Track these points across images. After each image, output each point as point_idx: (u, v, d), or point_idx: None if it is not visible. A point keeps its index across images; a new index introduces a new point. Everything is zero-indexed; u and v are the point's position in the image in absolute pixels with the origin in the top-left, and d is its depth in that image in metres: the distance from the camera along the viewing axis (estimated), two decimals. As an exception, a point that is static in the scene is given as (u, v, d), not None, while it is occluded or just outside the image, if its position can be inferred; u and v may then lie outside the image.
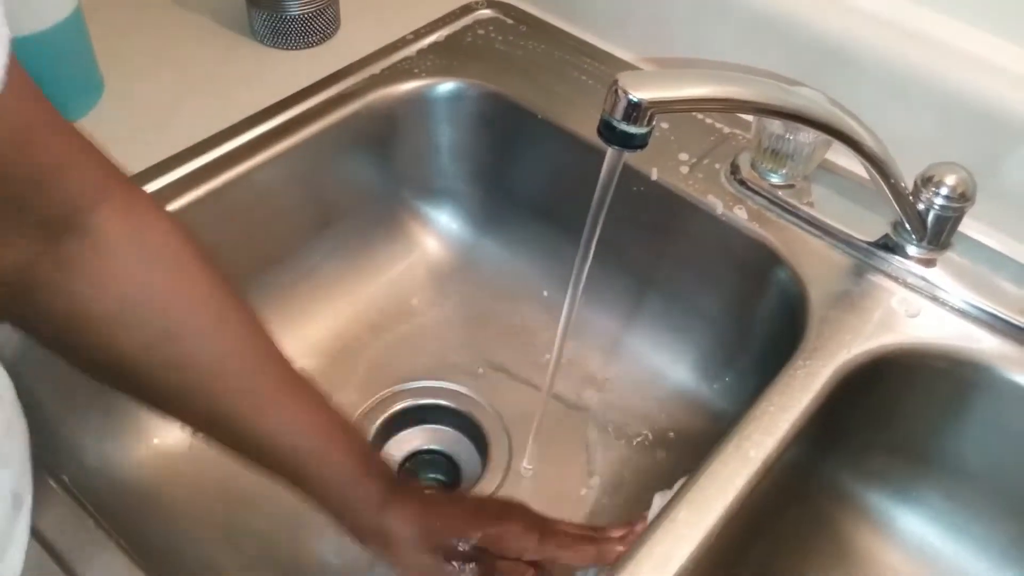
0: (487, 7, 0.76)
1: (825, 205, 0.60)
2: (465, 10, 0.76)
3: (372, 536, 0.47)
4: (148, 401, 0.44)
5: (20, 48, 0.32)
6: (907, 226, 0.56)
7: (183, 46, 0.72)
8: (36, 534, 0.42)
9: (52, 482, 0.45)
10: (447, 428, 0.67)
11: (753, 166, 0.62)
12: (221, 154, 0.62)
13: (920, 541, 0.61)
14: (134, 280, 0.40)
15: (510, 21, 0.76)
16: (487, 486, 0.62)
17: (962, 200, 0.54)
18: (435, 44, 0.73)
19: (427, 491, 0.51)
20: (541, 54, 0.72)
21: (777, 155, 0.60)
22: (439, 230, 0.76)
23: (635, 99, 0.41)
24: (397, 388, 0.67)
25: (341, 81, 0.68)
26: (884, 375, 0.54)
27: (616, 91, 0.41)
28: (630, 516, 0.60)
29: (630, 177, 0.63)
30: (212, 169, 0.61)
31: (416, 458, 0.66)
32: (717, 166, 0.63)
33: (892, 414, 0.58)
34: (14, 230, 0.36)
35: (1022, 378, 0.52)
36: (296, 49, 0.72)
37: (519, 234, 0.74)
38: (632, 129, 0.42)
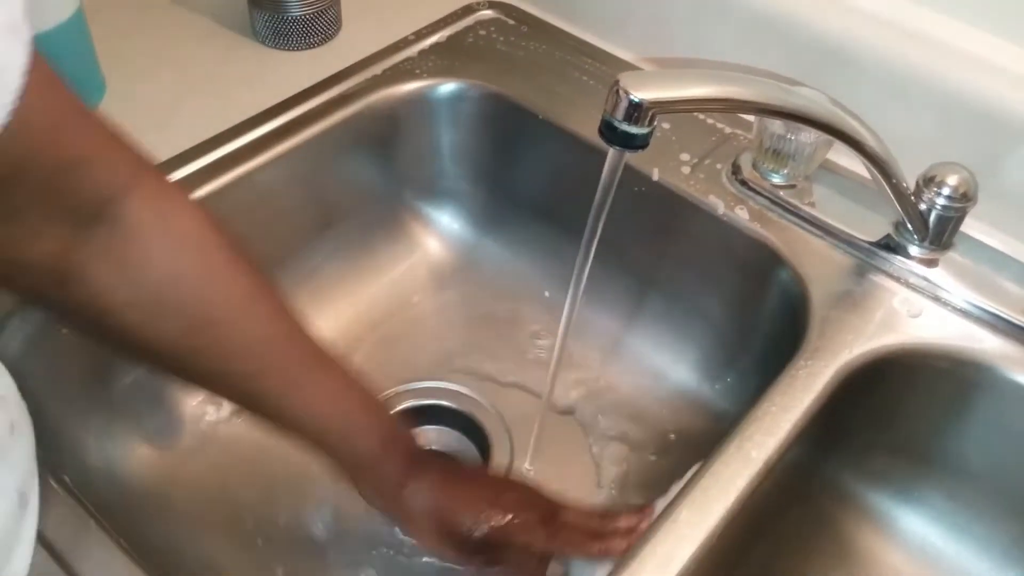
0: (488, 8, 0.76)
1: (827, 205, 0.60)
2: (466, 11, 0.76)
3: (390, 509, 0.51)
4: (183, 380, 0.47)
5: (22, 49, 0.32)
6: (909, 226, 0.56)
7: (184, 47, 0.72)
8: (37, 534, 0.42)
9: (53, 482, 0.45)
10: (449, 429, 0.67)
11: (754, 166, 0.62)
12: (223, 155, 0.62)
13: (922, 541, 0.61)
14: (165, 269, 0.40)
15: (511, 22, 0.76)
16: (488, 487, 0.62)
17: (964, 200, 0.54)
18: (436, 45, 0.73)
19: (447, 468, 0.52)
20: (542, 55, 0.72)
21: (778, 155, 0.60)
22: (440, 230, 0.76)
23: (636, 99, 0.41)
24: (399, 388, 0.67)
25: (342, 82, 0.68)
26: (886, 375, 0.54)
27: (617, 91, 0.41)
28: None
29: (631, 177, 0.63)
30: (213, 170, 0.61)
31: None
32: (718, 166, 0.63)
33: (894, 414, 0.58)
34: (45, 221, 0.36)
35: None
36: (297, 50, 0.72)
37: (520, 234, 0.74)
38: (633, 129, 0.42)
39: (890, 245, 0.58)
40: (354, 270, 0.73)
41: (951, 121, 0.59)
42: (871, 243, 0.58)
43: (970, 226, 0.57)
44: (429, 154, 0.73)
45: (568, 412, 0.67)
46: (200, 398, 0.64)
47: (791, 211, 0.60)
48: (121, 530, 0.45)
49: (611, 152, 0.45)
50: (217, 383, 0.46)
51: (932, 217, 0.55)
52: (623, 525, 0.49)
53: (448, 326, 0.72)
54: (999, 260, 0.58)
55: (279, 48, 0.72)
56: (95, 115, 0.37)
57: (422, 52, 0.72)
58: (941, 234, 0.56)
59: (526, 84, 0.69)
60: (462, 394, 0.67)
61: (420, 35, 0.73)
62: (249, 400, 0.46)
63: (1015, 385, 0.52)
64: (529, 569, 0.51)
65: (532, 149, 0.70)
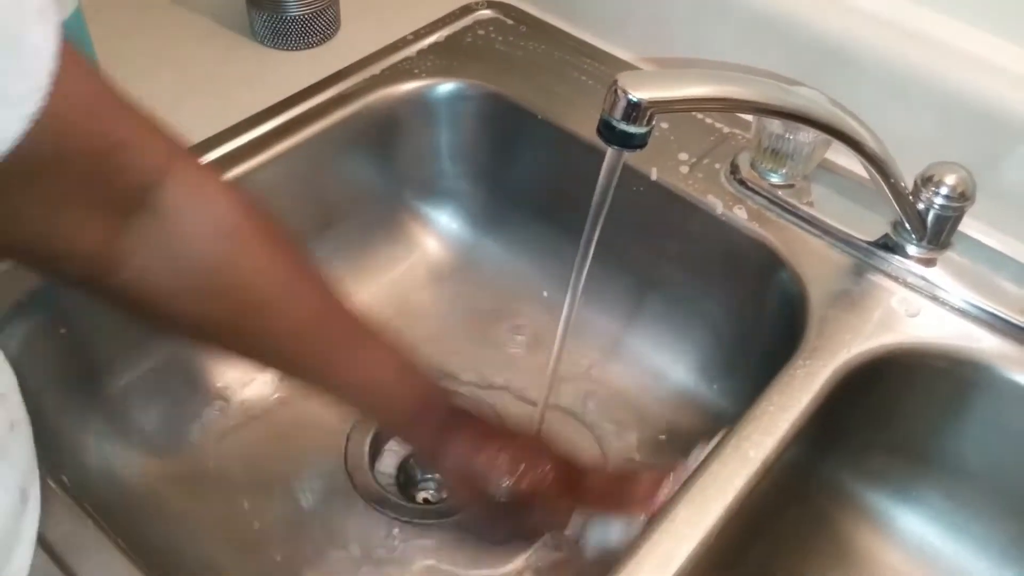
0: (487, 7, 0.76)
1: (825, 205, 0.60)
2: (465, 10, 0.76)
3: (429, 467, 0.57)
4: (227, 355, 0.51)
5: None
6: (907, 226, 0.56)
7: (183, 47, 0.72)
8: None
9: (52, 483, 0.45)
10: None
11: (753, 166, 0.62)
12: (221, 154, 0.62)
13: (920, 541, 0.61)
14: (206, 256, 0.41)
15: (510, 21, 0.76)
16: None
17: (962, 200, 0.54)
18: (435, 44, 0.73)
19: (480, 432, 0.53)
20: (541, 54, 0.72)
21: (777, 155, 0.60)
22: (439, 230, 0.76)
23: (634, 99, 0.41)
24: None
25: (341, 82, 0.68)
26: (884, 375, 0.54)
27: (616, 91, 0.41)
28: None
29: (630, 177, 0.63)
30: (212, 170, 0.61)
31: (415, 458, 0.66)
32: (717, 166, 0.63)
33: (892, 414, 0.58)
34: (88, 211, 0.37)
35: (1022, 378, 0.52)
36: (296, 50, 0.72)
37: (519, 234, 0.74)
38: (632, 129, 0.42)
39: (888, 245, 0.58)
40: (353, 270, 0.73)
41: (950, 121, 0.59)
42: (869, 243, 0.58)
43: (968, 226, 0.58)
44: (428, 154, 0.73)
45: (567, 412, 0.67)
46: (198, 399, 0.64)
47: (789, 211, 0.60)
48: (120, 530, 0.45)
49: (609, 152, 0.45)
50: (261, 359, 0.49)
51: (930, 217, 0.55)
52: (642, 491, 0.50)
53: (447, 326, 0.72)
54: (997, 260, 0.58)
55: (278, 48, 0.72)
56: (128, 101, 0.37)
57: (421, 52, 0.72)
58: (939, 234, 0.56)
59: (525, 84, 0.69)
60: (461, 394, 0.67)
61: (419, 35, 0.73)
62: (291, 371, 0.50)
63: (1013, 384, 0.53)
64: (551, 528, 0.54)
65: (531, 149, 0.70)
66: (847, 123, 0.50)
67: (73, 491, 0.46)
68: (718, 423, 0.64)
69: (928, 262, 0.57)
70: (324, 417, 0.65)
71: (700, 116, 0.67)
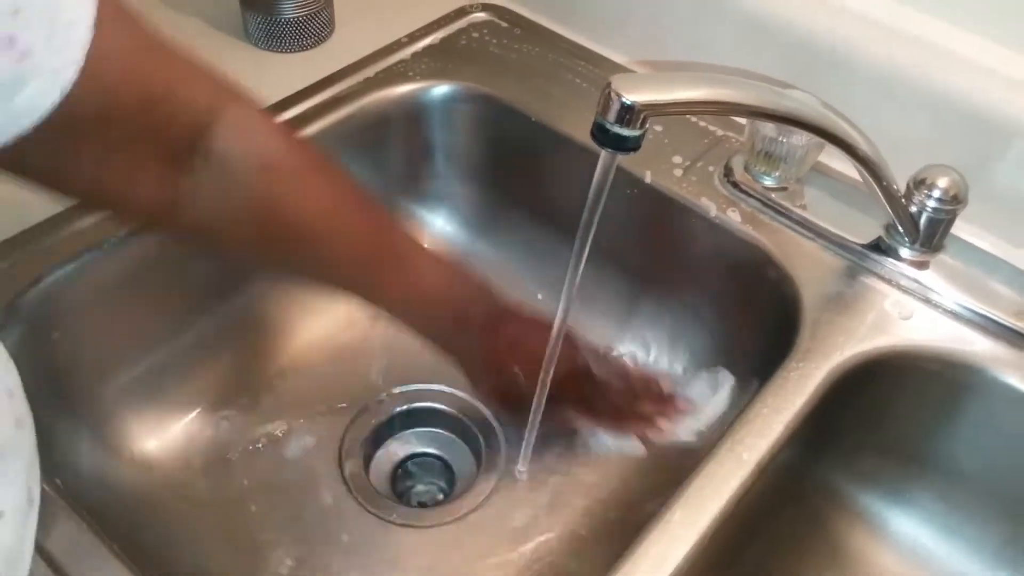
0: (482, 10, 0.76)
1: (818, 208, 0.61)
2: (460, 13, 0.76)
3: (472, 369, 0.58)
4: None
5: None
6: (900, 228, 0.57)
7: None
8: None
9: (47, 486, 0.45)
10: (442, 431, 0.67)
11: (746, 169, 0.62)
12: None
13: (913, 542, 0.61)
14: (259, 197, 0.44)
15: (504, 24, 0.76)
16: (481, 490, 0.62)
17: (954, 202, 0.55)
18: (430, 47, 0.73)
19: (510, 339, 0.56)
20: (535, 57, 0.72)
21: (770, 158, 0.60)
22: (434, 233, 0.76)
23: (628, 102, 0.41)
24: (392, 391, 0.67)
25: (335, 84, 0.68)
26: (877, 377, 0.54)
27: (609, 94, 0.41)
28: (624, 519, 0.60)
29: (624, 180, 0.63)
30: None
31: (411, 461, 0.66)
32: (711, 169, 0.64)
33: (885, 416, 0.58)
34: (143, 157, 0.38)
35: (1014, 380, 0.53)
36: (290, 52, 0.72)
37: (513, 237, 0.74)
38: (625, 132, 0.42)
39: (881, 247, 0.58)
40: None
41: (942, 124, 0.59)
42: (862, 245, 0.58)
43: (961, 228, 0.58)
44: (422, 156, 0.73)
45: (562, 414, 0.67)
46: (197, 400, 0.64)
47: (783, 213, 0.60)
48: (114, 535, 0.45)
49: (603, 154, 0.45)
50: (314, 280, 0.54)
51: (923, 219, 0.56)
52: (646, 410, 0.55)
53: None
54: (989, 262, 0.58)
55: (272, 50, 0.72)
56: (172, 46, 0.39)
57: (415, 54, 0.72)
58: (932, 236, 0.57)
59: (519, 86, 0.69)
60: (455, 396, 0.67)
61: (413, 37, 0.73)
62: (341, 290, 0.53)
63: (1005, 387, 0.53)
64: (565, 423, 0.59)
65: (525, 151, 0.70)
66: (840, 126, 0.50)
67: (68, 495, 0.46)
68: (712, 425, 0.64)
69: (921, 265, 0.57)
70: (320, 418, 0.65)
71: (694, 119, 0.67)
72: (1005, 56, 0.57)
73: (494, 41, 0.74)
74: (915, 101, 0.59)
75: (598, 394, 0.57)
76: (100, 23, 0.32)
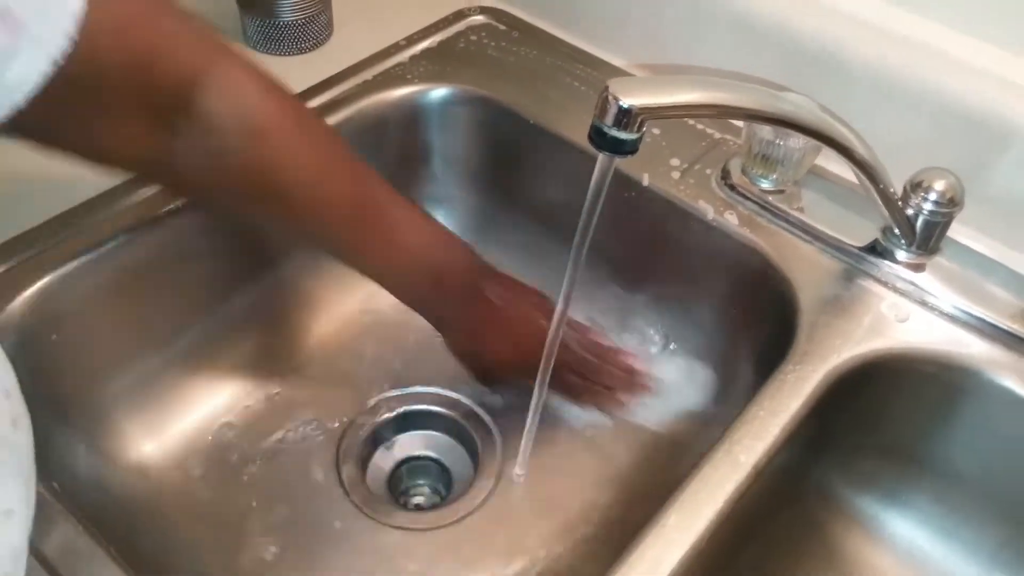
0: (480, 13, 0.77)
1: (815, 210, 0.61)
2: (458, 16, 0.76)
3: (452, 332, 0.59)
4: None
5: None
6: (896, 231, 0.57)
7: (175, 52, 0.72)
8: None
9: (42, 489, 0.45)
10: (439, 434, 0.67)
11: (744, 172, 0.62)
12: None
13: (910, 544, 0.61)
14: (240, 151, 0.44)
15: (503, 27, 0.76)
16: (478, 492, 0.62)
17: (951, 205, 0.55)
18: (428, 50, 0.73)
19: (488, 310, 0.56)
20: (534, 60, 0.72)
21: (767, 161, 0.61)
22: (431, 235, 0.76)
23: (625, 105, 0.41)
24: (390, 393, 0.67)
25: (334, 87, 0.68)
26: (874, 379, 0.54)
27: (607, 97, 0.42)
28: (623, 520, 0.60)
29: (621, 183, 0.63)
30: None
31: (408, 464, 0.66)
32: (708, 172, 0.64)
33: (882, 418, 0.58)
34: (131, 116, 0.39)
35: (1010, 382, 0.53)
36: (289, 55, 0.72)
37: (511, 240, 0.74)
38: (623, 135, 0.42)
39: (878, 250, 0.58)
40: (346, 275, 0.72)
41: (939, 126, 0.59)
42: (859, 248, 0.58)
43: (957, 231, 0.58)
44: (420, 159, 0.73)
45: (559, 416, 0.67)
46: (195, 404, 0.64)
47: (780, 216, 0.61)
48: (111, 538, 0.45)
49: (601, 158, 0.45)
50: (301, 240, 0.57)
51: (919, 222, 0.56)
52: (608, 381, 0.57)
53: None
54: (986, 265, 0.58)
55: (270, 53, 0.72)
56: (162, 7, 0.39)
57: (413, 57, 0.72)
58: (928, 239, 0.57)
59: (517, 89, 0.69)
60: (453, 399, 0.67)
61: (411, 40, 0.73)
62: (324, 250, 0.55)
63: (1001, 389, 0.53)
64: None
65: (523, 154, 0.70)
66: (837, 129, 0.50)
67: (65, 498, 0.46)
68: (709, 427, 0.65)
69: (917, 267, 0.57)
70: (316, 422, 0.65)
71: (692, 122, 0.67)
72: (999, 57, 0.57)
73: (492, 44, 0.74)
74: (912, 104, 0.59)
75: (561, 362, 0.56)
76: None
